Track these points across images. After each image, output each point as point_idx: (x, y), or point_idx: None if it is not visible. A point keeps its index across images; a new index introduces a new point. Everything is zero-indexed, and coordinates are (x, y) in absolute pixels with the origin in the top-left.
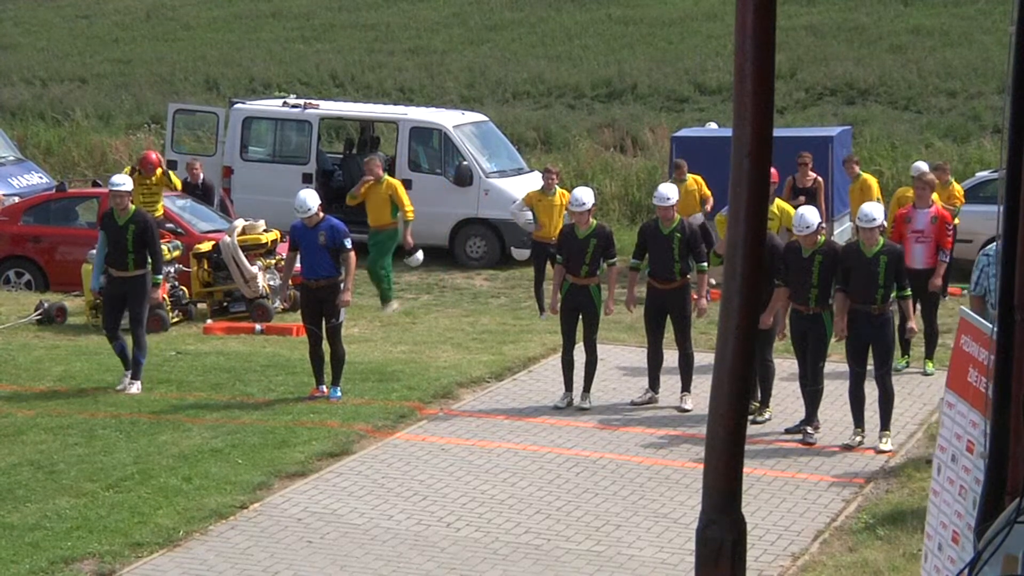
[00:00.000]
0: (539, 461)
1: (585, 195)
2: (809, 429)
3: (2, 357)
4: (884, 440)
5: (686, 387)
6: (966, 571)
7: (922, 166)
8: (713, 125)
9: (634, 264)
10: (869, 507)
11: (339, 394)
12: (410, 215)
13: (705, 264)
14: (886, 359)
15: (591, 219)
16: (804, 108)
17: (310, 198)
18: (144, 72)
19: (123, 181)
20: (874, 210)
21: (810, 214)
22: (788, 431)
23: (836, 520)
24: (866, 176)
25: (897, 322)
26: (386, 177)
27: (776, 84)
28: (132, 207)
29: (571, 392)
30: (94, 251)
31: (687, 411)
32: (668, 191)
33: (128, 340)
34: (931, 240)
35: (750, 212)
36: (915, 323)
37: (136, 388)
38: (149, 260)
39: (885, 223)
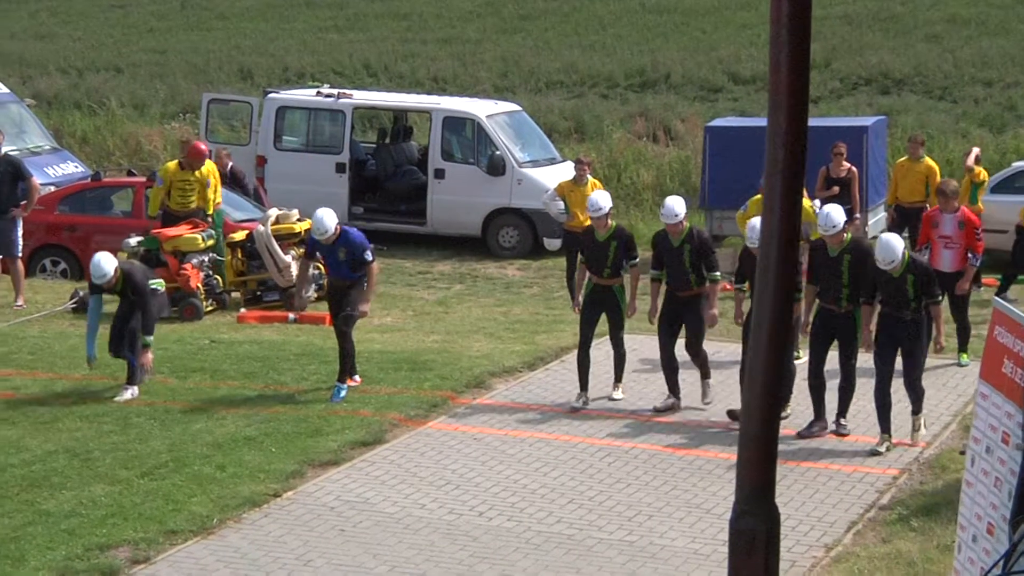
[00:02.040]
0: (571, 451)
1: (602, 200)
2: (843, 420)
3: (38, 345)
4: (918, 428)
5: (705, 376)
6: (1001, 562)
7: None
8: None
9: (655, 275)
10: (903, 498)
11: (343, 395)
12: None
13: (717, 274)
14: (917, 363)
15: (610, 221)
16: (839, 98)
17: (327, 218)
18: (179, 61)
19: (108, 271)
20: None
21: (836, 213)
22: (800, 435)
23: (869, 511)
24: (929, 162)
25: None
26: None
27: (810, 74)
28: (118, 277)
29: (586, 392)
30: (129, 239)
31: (707, 404)
32: (677, 206)
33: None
34: (959, 246)
35: (785, 202)
36: (944, 339)
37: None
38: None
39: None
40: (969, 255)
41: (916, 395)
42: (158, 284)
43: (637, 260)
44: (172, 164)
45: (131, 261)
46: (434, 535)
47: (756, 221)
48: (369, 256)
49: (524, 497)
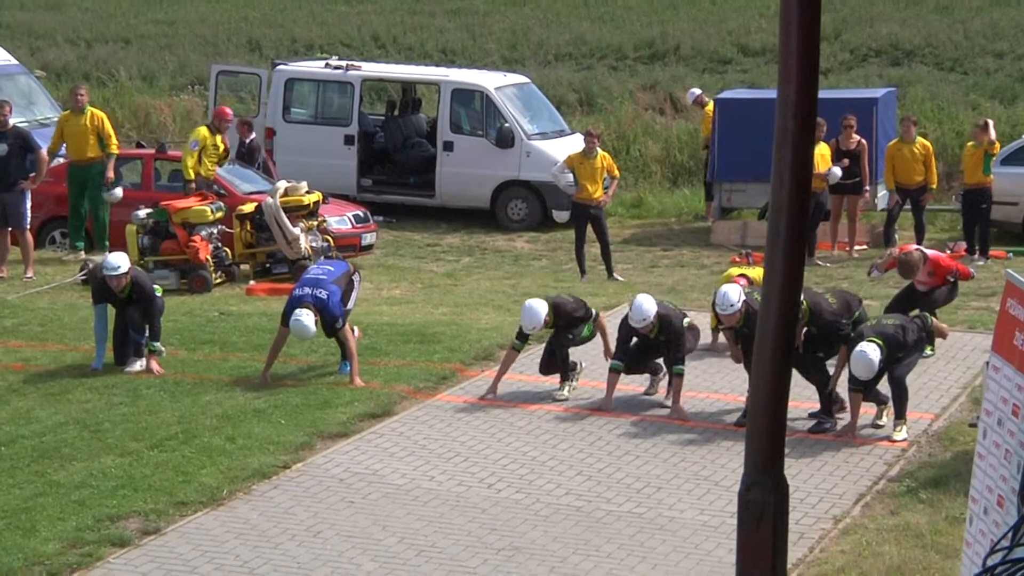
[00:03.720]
0: (580, 423)
1: (537, 317)
2: (827, 421)
3: (48, 317)
4: (899, 429)
5: (676, 401)
6: (1010, 534)
7: None
8: (697, 91)
9: (615, 366)
10: (911, 470)
11: (348, 368)
12: (114, 148)
13: (682, 367)
14: (908, 366)
15: (546, 324)
16: (849, 69)
17: (308, 325)
18: (187, 33)
19: (120, 263)
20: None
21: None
22: (811, 431)
23: (878, 483)
24: (923, 141)
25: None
26: (90, 108)
27: (820, 45)
28: (128, 281)
29: (568, 381)
30: (139, 212)
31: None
32: (647, 308)
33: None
34: (933, 285)
35: (794, 173)
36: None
37: (140, 364)
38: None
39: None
40: (953, 276)
41: (899, 393)
42: (158, 289)
43: (596, 314)
44: (203, 129)
45: (135, 267)
46: (443, 507)
47: (725, 287)
48: (340, 323)
49: (533, 469)
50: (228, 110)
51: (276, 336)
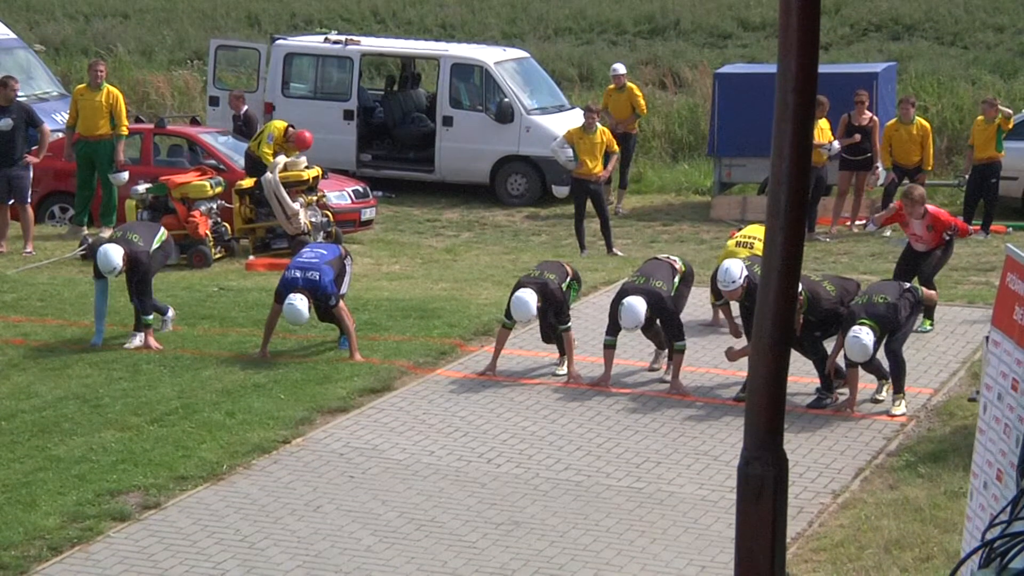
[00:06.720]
0: (579, 398)
1: (528, 308)
2: (826, 396)
3: (48, 292)
4: (897, 404)
5: (675, 376)
6: (1008, 508)
7: None
8: (620, 67)
9: (609, 341)
10: (910, 445)
11: (347, 343)
12: (124, 130)
13: (682, 343)
14: (900, 338)
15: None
16: (849, 44)
17: (301, 310)
18: (186, 7)
19: (117, 264)
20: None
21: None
22: (810, 406)
23: (877, 458)
24: (922, 122)
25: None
26: (106, 86)
27: (820, 19)
28: (121, 264)
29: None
30: (138, 187)
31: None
32: (640, 311)
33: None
34: (930, 243)
35: (794, 147)
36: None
37: (138, 340)
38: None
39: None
40: (954, 234)
41: (897, 366)
42: (160, 239)
43: (569, 325)
44: (281, 126)
45: (130, 240)
46: (442, 482)
47: (728, 263)
48: (333, 300)
49: (532, 444)
50: (309, 137)
51: (270, 313)
